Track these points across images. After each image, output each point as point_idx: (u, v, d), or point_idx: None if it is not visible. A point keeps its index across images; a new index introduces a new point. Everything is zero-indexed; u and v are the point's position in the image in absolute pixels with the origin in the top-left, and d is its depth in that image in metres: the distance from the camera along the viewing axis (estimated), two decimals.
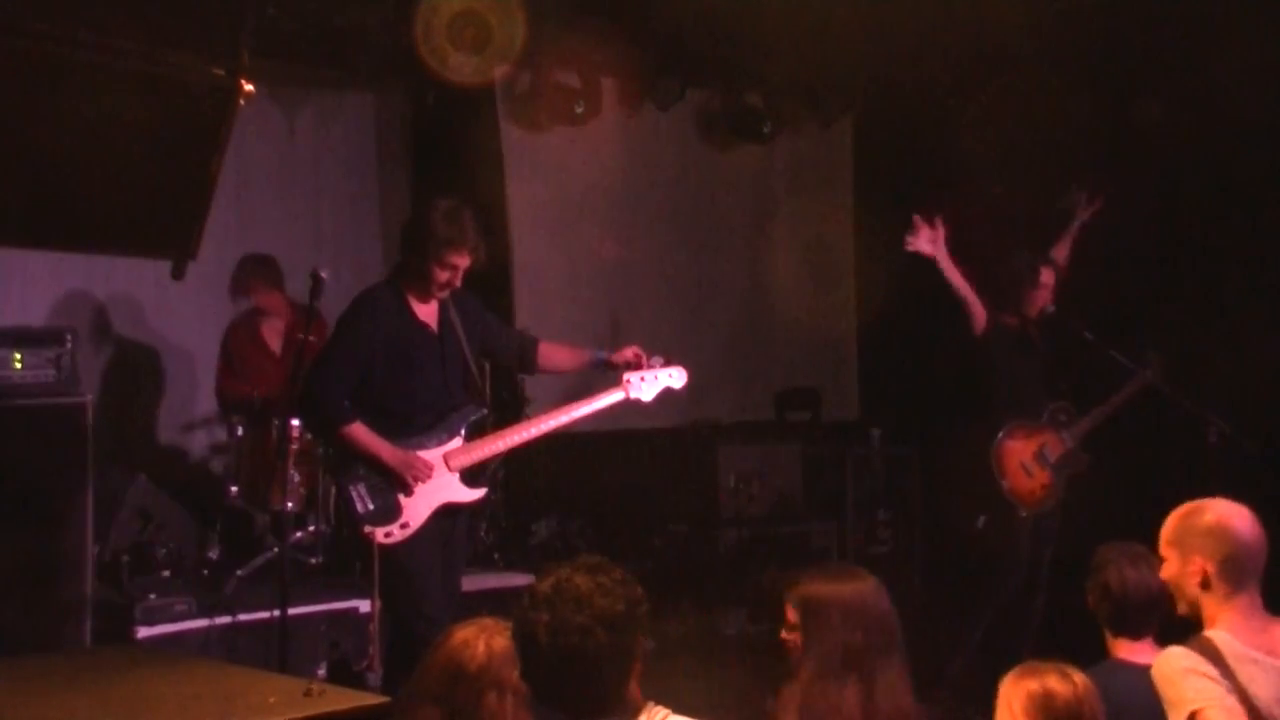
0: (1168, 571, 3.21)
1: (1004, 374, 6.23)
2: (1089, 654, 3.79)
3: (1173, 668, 3.01)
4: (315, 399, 4.81)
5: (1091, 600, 3.62)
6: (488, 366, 7.00)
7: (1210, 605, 3.13)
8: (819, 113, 9.08)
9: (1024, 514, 6.19)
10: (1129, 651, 3.55)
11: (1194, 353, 7.36)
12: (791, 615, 3.35)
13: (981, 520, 6.31)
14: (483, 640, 3.05)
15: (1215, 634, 3.08)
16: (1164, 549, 3.22)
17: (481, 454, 5.05)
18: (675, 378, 5.21)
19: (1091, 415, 6.22)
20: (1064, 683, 3.03)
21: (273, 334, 7.12)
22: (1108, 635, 3.61)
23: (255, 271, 7.11)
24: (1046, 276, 6.23)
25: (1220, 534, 3.15)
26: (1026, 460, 6.18)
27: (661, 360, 5.19)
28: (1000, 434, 6.18)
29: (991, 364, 6.24)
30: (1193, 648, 3.05)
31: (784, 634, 3.38)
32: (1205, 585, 3.12)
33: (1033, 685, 3.03)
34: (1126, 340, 6.14)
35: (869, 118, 9.38)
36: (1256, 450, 5.71)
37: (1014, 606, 6.24)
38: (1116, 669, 3.52)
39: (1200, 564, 3.13)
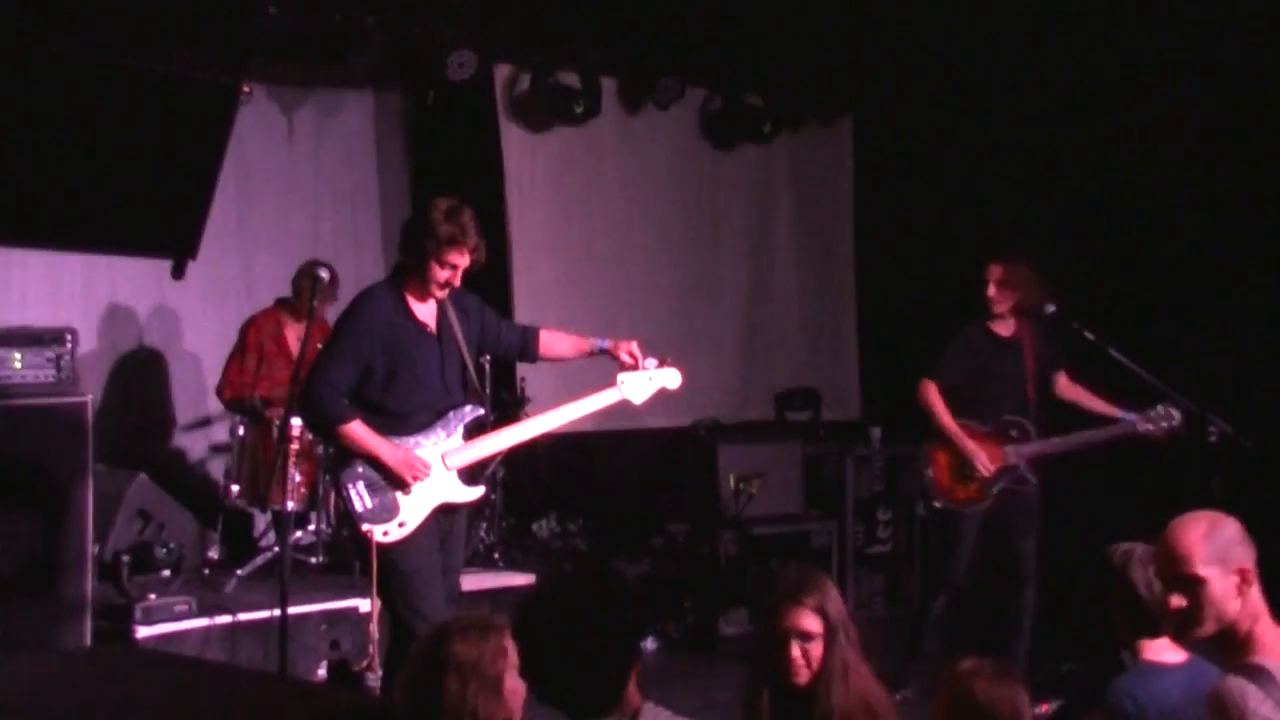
0: (1210, 593, 3.04)
1: (969, 377, 6.24)
2: (1086, 650, 3.78)
3: (1235, 705, 2.90)
4: (314, 397, 4.82)
5: (1113, 602, 3.55)
6: (487, 367, 7.02)
7: (1247, 619, 3.04)
8: (819, 113, 9.08)
9: (938, 504, 6.28)
10: (1155, 651, 3.52)
11: (1194, 353, 7.36)
12: (815, 625, 3.36)
13: (921, 506, 6.56)
14: (442, 633, 3.06)
15: (1268, 662, 2.96)
16: (1200, 567, 3.05)
17: (479, 453, 5.05)
18: (670, 378, 5.19)
19: (1048, 443, 6.14)
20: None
21: (294, 336, 7.05)
22: (1127, 635, 3.57)
23: (329, 285, 6.92)
24: (991, 273, 6.20)
25: (1247, 541, 3.10)
26: (957, 460, 6.19)
27: (656, 361, 5.17)
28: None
29: (964, 364, 6.29)
30: (1251, 678, 2.92)
31: (803, 648, 3.36)
32: (1243, 597, 3.03)
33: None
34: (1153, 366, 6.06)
35: (869, 118, 9.39)
36: (1256, 450, 5.70)
37: (1004, 604, 6.26)
38: (1158, 673, 3.48)
39: (1245, 573, 3.05)
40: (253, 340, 7.01)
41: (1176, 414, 5.86)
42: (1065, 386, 6.33)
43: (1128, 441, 6.03)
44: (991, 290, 6.19)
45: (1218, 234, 7.97)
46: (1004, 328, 6.28)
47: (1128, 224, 8.36)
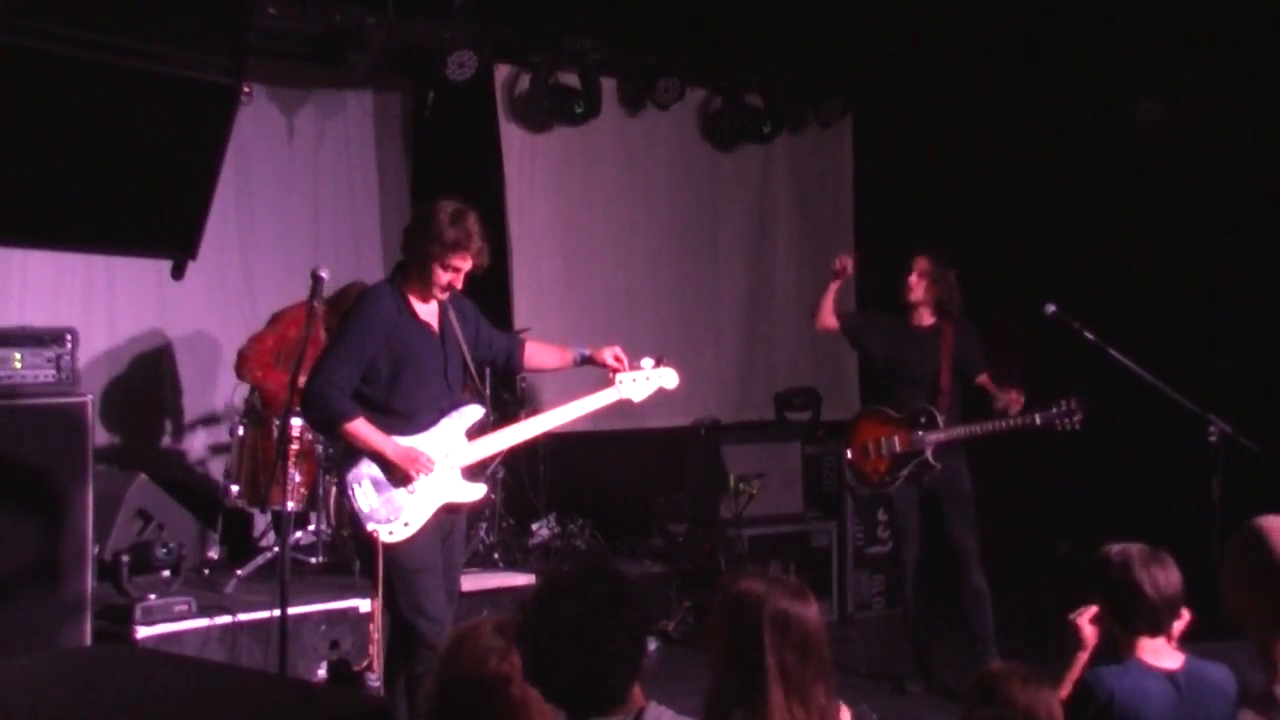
0: None
1: (884, 364, 6.58)
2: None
3: None
4: (318, 395, 4.82)
5: (1116, 601, 3.55)
6: (488, 367, 7.02)
7: None
8: (819, 113, 9.09)
9: (854, 488, 7.03)
10: (1150, 652, 3.54)
11: (1194, 353, 7.37)
12: None
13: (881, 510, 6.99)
14: (466, 632, 3.04)
15: None
16: None
17: (482, 452, 5.06)
18: (667, 378, 5.20)
19: (953, 431, 6.31)
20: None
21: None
22: (1123, 634, 3.58)
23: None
24: (917, 264, 6.43)
25: None
26: (869, 442, 6.47)
27: (653, 361, 5.18)
28: (860, 410, 6.80)
29: (873, 333, 6.65)
30: None
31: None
32: None
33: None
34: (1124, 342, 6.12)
35: (869, 118, 9.39)
36: (1256, 450, 5.70)
37: (960, 594, 6.41)
38: (1142, 671, 3.50)
39: None
40: (286, 323, 6.90)
41: (1078, 410, 6.06)
42: (988, 385, 6.43)
43: (1031, 429, 6.19)
44: (913, 278, 6.42)
45: (1218, 234, 7.98)
46: (919, 319, 6.47)
47: (1128, 224, 8.37)
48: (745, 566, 7.19)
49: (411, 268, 4.92)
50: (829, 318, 6.58)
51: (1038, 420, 6.09)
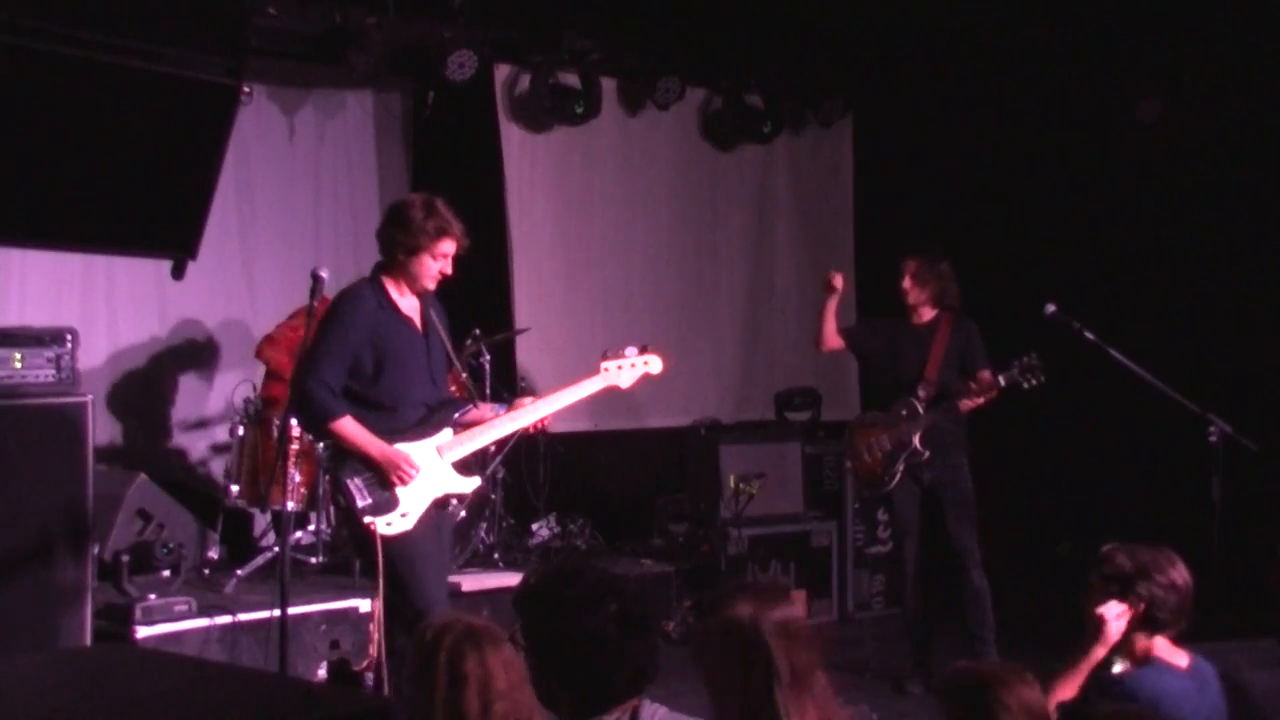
0: None
1: (879, 366, 6.70)
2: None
3: None
4: (306, 395, 4.84)
5: (1149, 602, 3.54)
6: (487, 366, 7.03)
7: None
8: (819, 113, 9.09)
9: (862, 493, 7.35)
10: (1165, 651, 3.54)
11: (1194, 353, 7.37)
12: None
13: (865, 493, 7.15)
14: (435, 623, 2.99)
15: None
16: None
17: (472, 444, 5.07)
18: (651, 364, 5.22)
19: (930, 415, 6.36)
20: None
21: None
22: (1145, 634, 3.57)
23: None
24: (907, 267, 6.48)
25: None
26: (863, 447, 6.58)
27: (637, 349, 5.20)
28: (855, 419, 6.87)
29: (867, 333, 6.80)
30: None
31: None
32: None
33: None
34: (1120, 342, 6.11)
35: (869, 118, 9.39)
36: (1256, 450, 5.70)
37: (960, 593, 6.43)
38: (1165, 671, 3.51)
39: None
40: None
41: (1038, 364, 6.06)
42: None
43: (999, 391, 6.22)
44: (906, 283, 6.47)
45: (1218, 234, 7.99)
46: (920, 317, 6.53)
47: (1128, 224, 8.37)
48: (721, 588, 7.19)
49: (395, 264, 4.94)
50: (833, 339, 6.67)
51: (1002, 381, 6.14)
